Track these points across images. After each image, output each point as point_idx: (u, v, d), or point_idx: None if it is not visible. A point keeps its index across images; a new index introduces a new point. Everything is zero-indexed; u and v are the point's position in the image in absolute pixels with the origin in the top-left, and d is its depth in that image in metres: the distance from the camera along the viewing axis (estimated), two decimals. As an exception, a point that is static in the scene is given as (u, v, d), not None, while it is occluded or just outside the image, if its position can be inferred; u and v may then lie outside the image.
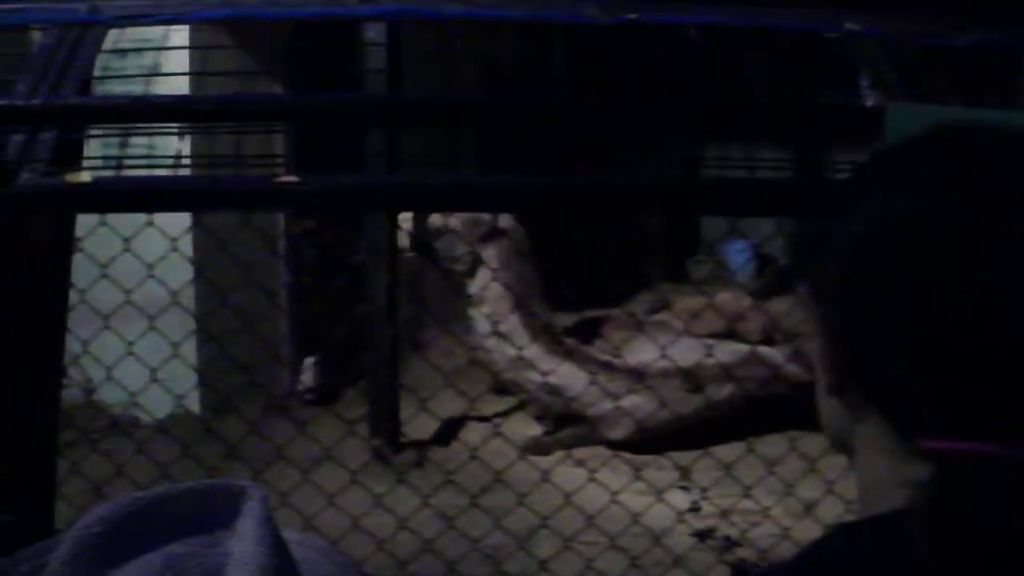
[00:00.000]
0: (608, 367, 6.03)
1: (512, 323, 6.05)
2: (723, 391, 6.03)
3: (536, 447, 5.92)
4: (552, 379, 5.71)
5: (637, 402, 5.52)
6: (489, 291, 6.18)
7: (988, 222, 0.85)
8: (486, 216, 6.19)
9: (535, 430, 6.25)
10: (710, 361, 5.72)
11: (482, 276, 6.25)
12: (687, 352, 5.67)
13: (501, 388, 6.57)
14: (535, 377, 6.00)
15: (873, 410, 0.93)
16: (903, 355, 0.87)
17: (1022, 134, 0.93)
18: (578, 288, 6.81)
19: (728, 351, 6.14)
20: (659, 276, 9.57)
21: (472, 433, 6.04)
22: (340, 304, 6.48)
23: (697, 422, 5.90)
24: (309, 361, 6.90)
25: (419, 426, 5.89)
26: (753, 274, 9.44)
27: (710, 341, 5.86)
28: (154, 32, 4.31)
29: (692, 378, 5.74)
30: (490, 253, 6.23)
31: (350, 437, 5.14)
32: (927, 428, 0.86)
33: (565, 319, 6.74)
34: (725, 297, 7.32)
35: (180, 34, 4.65)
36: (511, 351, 5.97)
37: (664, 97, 2.73)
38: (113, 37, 2.85)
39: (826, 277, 0.95)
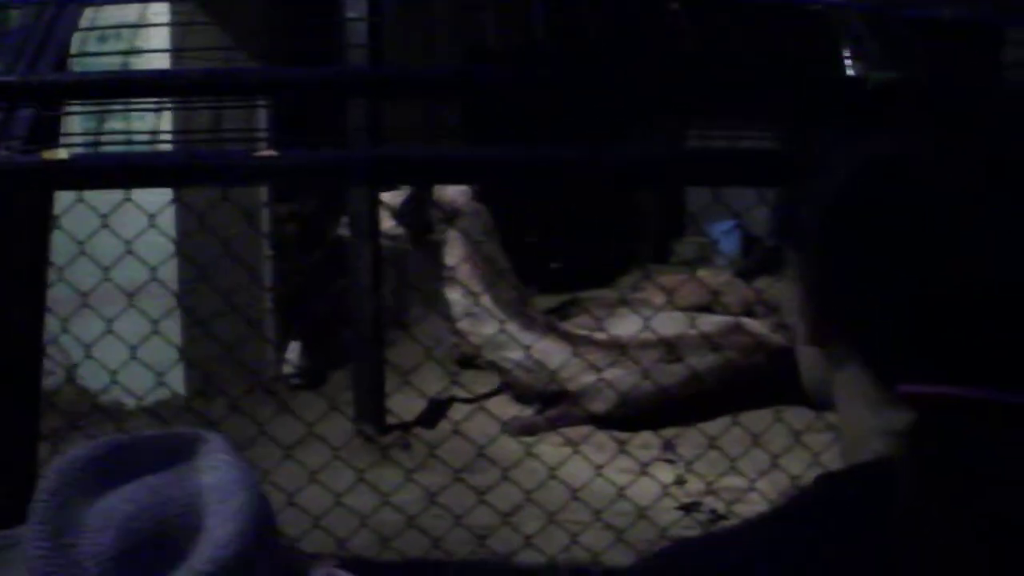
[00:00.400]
0: (587, 341, 6.03)
1: (485, 303, 6.05)
2: (705, 361, 6.00)
3: (522, 427, 5.92)
4: (531, 355, 5.68)
5: (619, 374, 5.48)
6: (459, 271, 6.20)
7: (966, 167, 0.85)
8: (448, 197, 6.20)
9: (521, 411, 6.24)
10: (691, 332, 5.73)
11: (452, 255, 6.27)
12: (668, 324, 5.68)
13: (480, 368, 6.55)
14: (513, 355, 6.00)
15: (853, 358, 0.93)
16: (882, 300, 0.88)
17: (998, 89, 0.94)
18: (563, 270, 6.81)
19: (710, 322, 6.15)
20: (645, 257, 9.57)
21: (458, 414, 6.04)
22: (324, 284, 6.47)
23: (681, 394, 5.88)
24: (294, 344, 6.88)
25: (405, 408, 5.88)
26: (739, 253, 9.46)
27: (692, 314, 5.88)
28: (131, 11, 4.31)
29: (673, 349, 5.71)
30: (455, 234, 6.26)
31: (336, 419, 5.15)
32: (906, 374, 0.86)
33: (549, 301, 6.74)
34: (706, 274, 7.34)
35: (158, 12, 4.65)
36: (487, 330, 5.98)
37: (647, 73, 2.71)
38: (91, 17, 2.84)
39: (806, 225, 0.95)
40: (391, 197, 6.18)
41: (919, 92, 0.96)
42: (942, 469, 0.81)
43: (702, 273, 7.32)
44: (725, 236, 9.46)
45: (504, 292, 6.27)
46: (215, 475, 0.99)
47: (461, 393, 6.11)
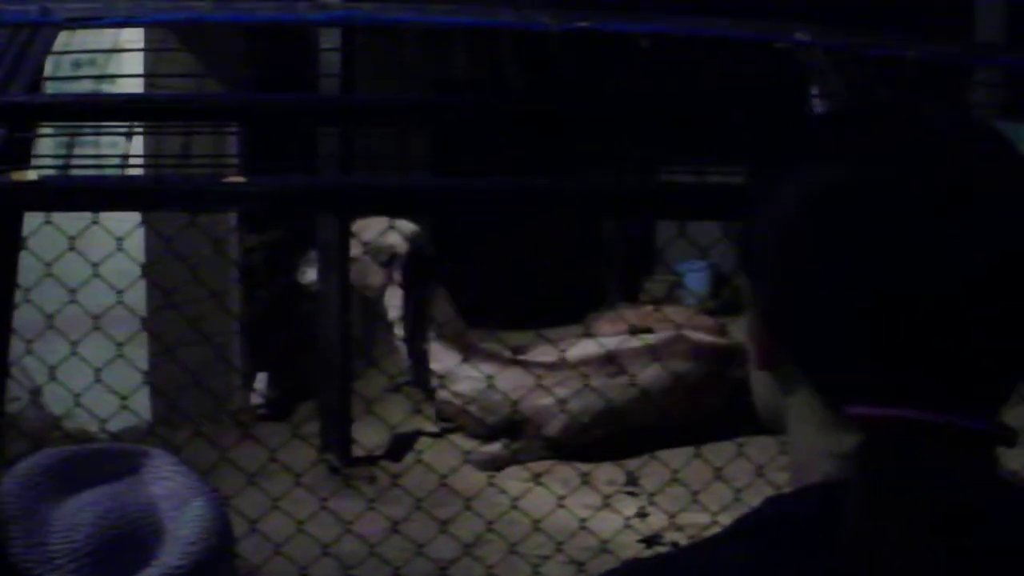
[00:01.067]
0: (532, 364, 6.07)
1: (429, 344, 6.11)
2: (648, 372, 6.01)
3: (486, 461, 5.92)
4: (479, 384, 5.69)
5: (563, 395, 5.48)
6: (396, 313, 6.28)
7: (918, 191, 0.86)
8: (388, 241, 6.23)
9: (480, 444, 6.23)
10: (632, 344, 5.76)
11: (391, 299, 6.34)
12: (612, 342, 5.71)
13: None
14: (462, 388, 6.05)
15: (803, 382, 0.94)
16: (833, 323, 0.88)
17: (954, 112, 0.95)
18: (530, 307, 6.81)
19: (652, 336, 6.18)
20: (614, 295, 9.59)
21: (423, 445, 6.04)
22: (290, 312, 6.46)
23: (631, 414, 5.89)
24: (261, 375, 6.86)
25: (371, 439, 5.88)
26: (709, 292, 9.49)
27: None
28: (105, 36, 4.31)
29: (613, 360, 5.71)
30: (396, 276, 6.31)
31: (301, 450, 5.13)
32: (856, 396, 0.88)
33: (514, 337, 6.75)
34: (671, 310, 7.36)
35: (132, 39, 4.65)
36: (435, 367, 6.06)
37: (614, 103, 2.74)
38: (63, 41, 2.84)
39: (758, 247, 0.96)
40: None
41: (868, 119, 0.96)
42: (891, 491, 0.82)
43: (668, 310, 7.34)
44: (695, 275, 9.49)
45: (447, 329, 6.32)
46: (168, 483, 1.04)
47: (427, 426, 6.12)
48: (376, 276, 6.38)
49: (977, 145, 0.90)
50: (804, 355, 0.93)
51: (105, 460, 1.06)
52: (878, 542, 0.80)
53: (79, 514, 0.98)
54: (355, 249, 6.05)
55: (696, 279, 9.53)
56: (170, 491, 1.04)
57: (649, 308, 7.50)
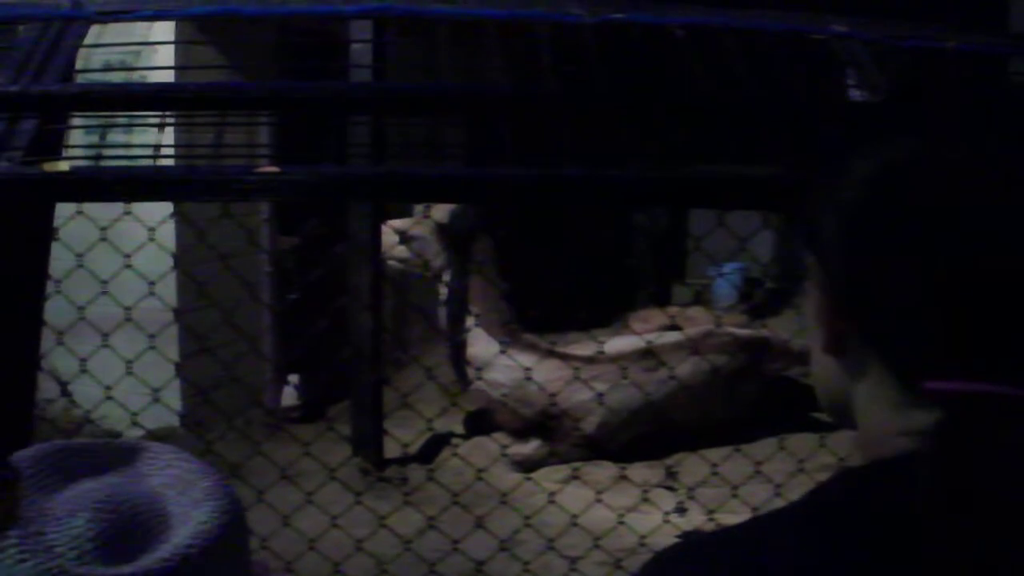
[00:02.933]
0: (569, 357, 6.03)
1: (481, 322, 6.02)
2: (685, 365, 5.98)
3: (521, 461, 5.89)
4: (520, 375, 5.63)
5: (601, 389, 5.44)
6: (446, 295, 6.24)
7: (987, 165, 0.86)
8: (457, 224, 6.22)
9: (514, 442, 6.18)
10: (666, 339, 5.75)
11: (448, 280, 6.31)
12: (644, 342, 5.66)
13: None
14: (502, 378, 5.98)
15: (875, 362, 0.93)
16: (910, 299, 0.87)
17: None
18: (555, 313, 6.78)
19: (683, 332, 6.15)
20: (644, 300, 9.54)
21: (457, 447, 6.01)
22: (323, 306, 6.45)
23: (671, 408, 5.85)
24: (293, 376, 6.85)
25: (405, 438, 5.86)
26: (737, 297, 9.45)
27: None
28: (135, 30, 4.30)
29: (650, 355, 5.67)
30: (469, 257, 6.26)
31: (334, 451, 5.12)
32: (934, 373, 0.86)
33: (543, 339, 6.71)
34: (702, 312, 7.34)
35: (162, 31, 4.65)
36: (477, 351, 5.98)
37: (654, 93, 2.70)
38: (96, 33, 2.83)
39: (827, 230, 0.95)
40: (403, 224, 6.19)
41: (935, 98, 0.95)
42: (968, 469, 0.80)
43: (697, 311, 7.32)
44: (727, 278, 9.44)
45: (497, 315, 6.25)
46: (171, 471, 1.05)
47: (460, 427, 6.09)
48: (438, 256, 6.34)
49: None
50: (879, 334, 0.92)
51: (104, 453, 1.06)
52: (954, 515, 0.79)
53: (79, 500, 0.97)
54: (419, 228, 6.06)
55: (725, 283, 9.48)
56: (173, 478, 1.04)
57: (677, 310, 7.48)
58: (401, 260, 6.31)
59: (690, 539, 0.99)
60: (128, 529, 0.96)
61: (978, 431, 0.82)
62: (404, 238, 6.12)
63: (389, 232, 6.11)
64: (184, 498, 1.02)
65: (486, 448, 5.89)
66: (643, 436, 5.89)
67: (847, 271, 0.93)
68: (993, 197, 0.85)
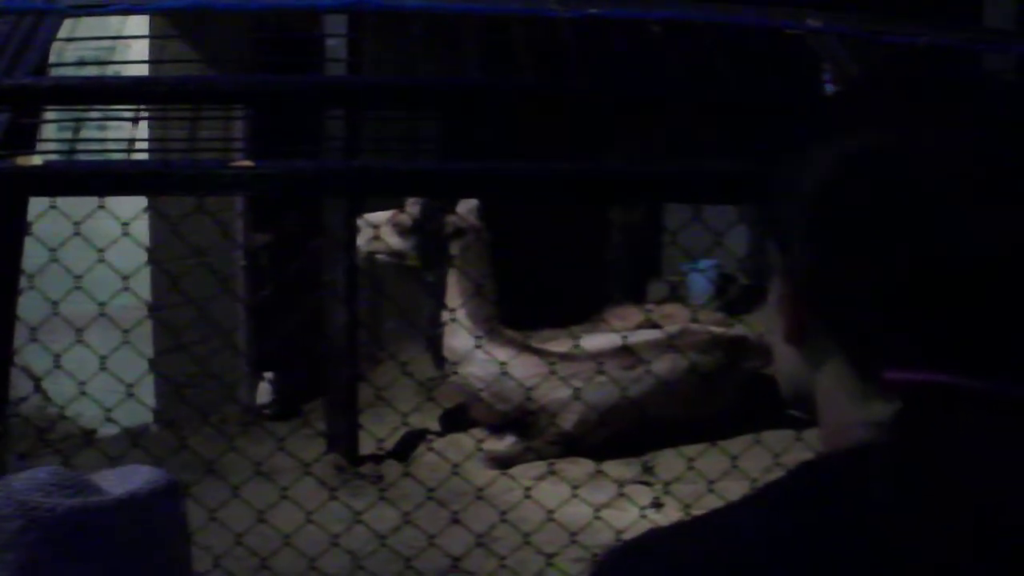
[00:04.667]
0: (547, 353, 6.02)
1: (460, 317, 5.97)
2: (663, 362, 5.98)
3: (497, 458, 5.87)
4: (499, 371, 5.60)
5: (579, 386, 5.42)
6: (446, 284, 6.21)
7: (960, 155, 0.85)
8: (458, 213, 6.20)
9: (490, 436, 6.16)
10: (645, 337, 5.75)
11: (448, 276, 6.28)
12: (621, 338, 5.66)
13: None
14: (480, 372, 5.94)
15: (835, 352, 0.93)
16: (871, 289, 0.87)
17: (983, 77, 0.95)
18: (532, 309, 6.77)
19: (660, 330, 6.15)
20: (619, 296, 9.51)
21: (433, 444, 5.99)
22: (297, 300, 6.42)
23: (651, 407, 5.85)
24: (268, 373, 6.82)
25: (379, 434, 5.84)
26: (712, 294, 9.45)
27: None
28: (109, 24, 4.27)
29: (627, 352, 5.66)
30: (454, 250, 6.23)
31: (308, 448, 5.11)
32: (893, 363, 0.86)
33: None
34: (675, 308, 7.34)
35: (136, 25, 4.62)
36: (457, 344, 5.95)
37: (629, 87, 2.71)
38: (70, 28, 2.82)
39: (788, 218, 0.95)
40: (387, 215, 6.16)
41: (902, 88, 0.95)
42: (926, 459, 0.80)
43: (673, 307, 7.31)
44: (699, 275, 9.44)
45: (481, 309, 6.22)
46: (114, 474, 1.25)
47: (435, 423, 6.07)
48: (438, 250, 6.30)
49: (1017, 110, 0.89)
50: (840, 323, 0.92)
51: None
52: (907, 505, 0.79)
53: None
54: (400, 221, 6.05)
55: (700, 279, 9.47)
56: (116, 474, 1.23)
57: (652, 306, 7.48)
58: (393, 253, 6.25)
59: (651, 531, 0.99)
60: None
61: (936, 422, 0.82)
62: (401, 230, 6.11)
63: (384, 225, 6.07)
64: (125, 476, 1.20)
65: (462, 444, 5.88)
66: (620, 433, 5.88)
67: (808, 259, 0.92)
68: (957, 186, 0.84)
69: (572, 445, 5.96)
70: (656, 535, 0.97)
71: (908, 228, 0.84)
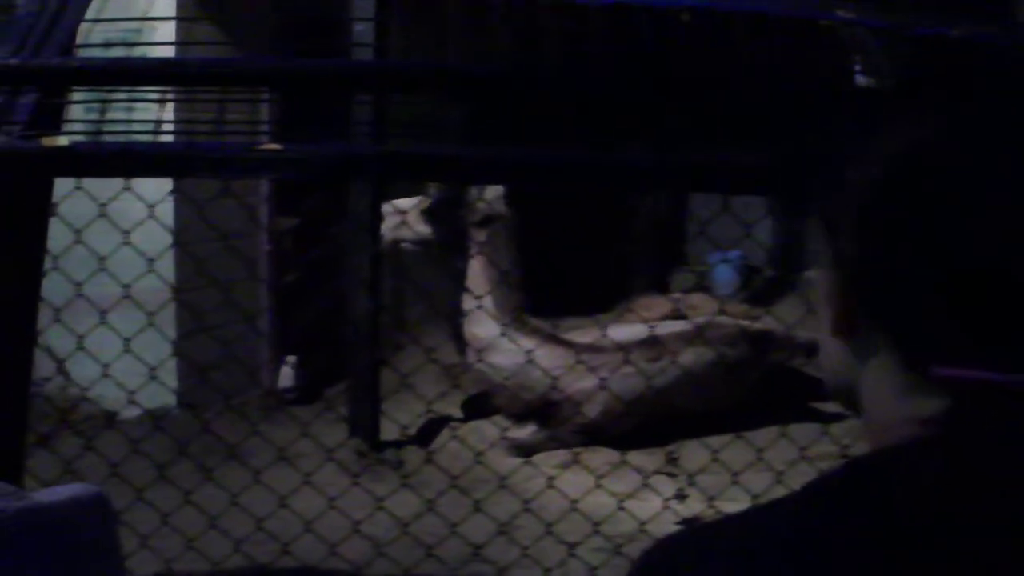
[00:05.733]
0: (571, 344, 5.99)
1: (486, 305, 5.93)
2: (689, 354, 5.95)
3: (519, 446, 5.85)
4: (524, 360, 5.56)
5: (611, 377, 5.38)
6: (470, 270, 6.16)
7: (1008, 152, 0.84)
8: (485, 200, 6.17)
9: (512, 425, 6.14)
10: (669, 329, 5.72)
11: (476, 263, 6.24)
12: (645, 328, 5.62)
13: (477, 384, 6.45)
14: (504, 362, 5.91)
15: (883, 347, 0.91)
16: (923, 283, 0.85)
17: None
18: (558, 298, 6.73)
19: (687, 321, 6.11)
20: (643, 288, 9.47)
21: (455, 431, 5.98)
22: (321, 285, 6.41)
23: (677, 397, 5.83)
24: (291, 358, 6.82)
25: (402, 421, 5.84)
26: (738, 284, 9.40)
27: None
28: (137, 5, 4.27)
29: (653, 344, 5.62)
30: (480, 237, 6.20)
31: (330, 434, 5.10)
32: (943, 359, 0.84)
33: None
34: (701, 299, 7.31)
35: (163, 7, 4.62)
36: (482, 332, 5.92)
37: (657, 76, 2.68)
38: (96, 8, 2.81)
39: (842, 210, 0.92)
40: (414, 201, 6.14)
41: (953, 84, 0.93)
42: (974, 457, 0.80)
43: (698, 298, 7.28)
44: (724, 266, 9.40)
45: (507, 297, 6.18)
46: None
47: (458, 410, 6.05)
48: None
49: None
50: (890, 317, 0.90)
51: None
52: (958, 504, 0.78)
53: None
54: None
55: (725, 270, 9.43)
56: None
57: (679, 296, 7.44)
58: (420, 241, 6.23)
59: (691, 527, 0.97)
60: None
61: (987, 420, 0.81)
62: (431, 217, 6.09)
63: (411, 211, 6.05)
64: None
65: (484, 432, 5.86)
66: (645, 423, 5.85)
67: (859, 251, 0.91)
68: (1010, 183, 0.83)
69: (596, 434, 5.93)
70: (699, 531, 0.96)
71: (961, 224, 0.83)
